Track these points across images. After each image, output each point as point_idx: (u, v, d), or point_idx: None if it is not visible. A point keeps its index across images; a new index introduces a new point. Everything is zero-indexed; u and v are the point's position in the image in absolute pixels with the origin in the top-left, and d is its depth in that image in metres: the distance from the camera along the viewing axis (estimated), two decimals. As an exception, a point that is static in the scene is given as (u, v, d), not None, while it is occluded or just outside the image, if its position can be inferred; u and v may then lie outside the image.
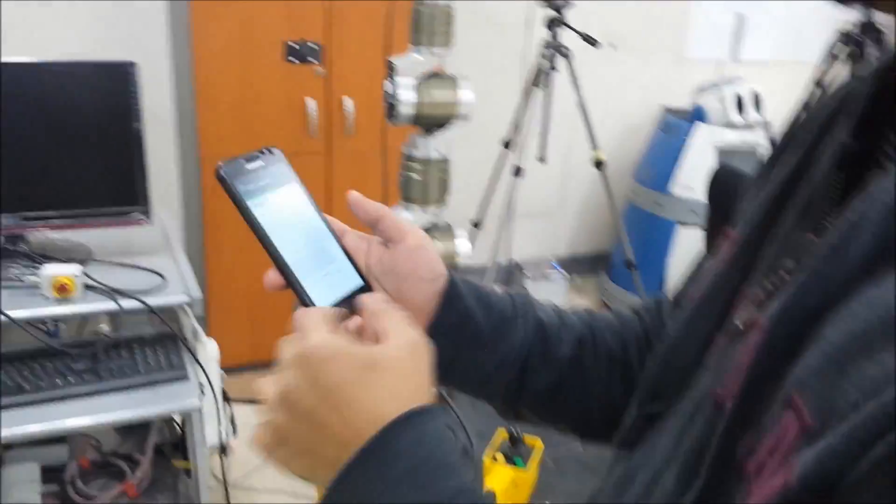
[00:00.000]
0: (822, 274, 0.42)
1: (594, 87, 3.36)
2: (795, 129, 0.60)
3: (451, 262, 1.75)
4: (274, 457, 0.53)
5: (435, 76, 1.64)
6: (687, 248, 3.36)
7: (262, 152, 0.64)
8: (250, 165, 0.62)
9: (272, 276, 0.61)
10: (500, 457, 1.63)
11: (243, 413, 2.31)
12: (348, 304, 0.62)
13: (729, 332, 0.53)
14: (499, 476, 1.58)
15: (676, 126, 3.47)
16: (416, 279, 0.64)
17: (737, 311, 0.53)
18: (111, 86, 1.65)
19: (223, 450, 1.76)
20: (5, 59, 1.58)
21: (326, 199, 2.84)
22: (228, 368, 2.90)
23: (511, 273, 3.77)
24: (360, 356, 0.52)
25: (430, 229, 1.73)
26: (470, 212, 3.24)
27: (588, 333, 0.72)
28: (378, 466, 0.48)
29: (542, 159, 3.05)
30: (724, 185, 1.73)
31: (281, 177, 0.64)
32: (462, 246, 1.77)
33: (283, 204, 0.63)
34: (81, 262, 1.62)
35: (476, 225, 3.24)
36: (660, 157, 3.51)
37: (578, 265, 3.94)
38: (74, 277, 1.50)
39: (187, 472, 1.84)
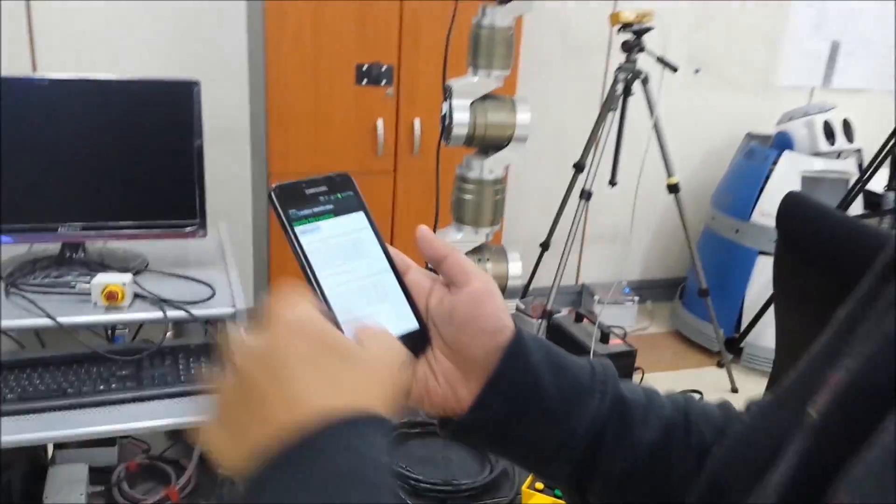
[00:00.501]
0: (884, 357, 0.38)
1: (675, 112, 3.28)
2: None
3: (502, 284, 1.71)
4: (210, 420, 0.49)
5: (491, 98, 1.62)
6: (767, 276, 3.22)
7: (330, 177, 0.61)
8: (310, 190, 0.59)
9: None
10: (539, 485, 1.57)
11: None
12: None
13: (803, 422, 0.45)
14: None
15: (760, 152, 3.34)
16: (476, 329, 0.58)
17: (817, 395, 0.46)
18: (174, 103, 1.70)
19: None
20: (79, 75, 1.65)
21: (391, 219, 2.85)
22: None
23: (580, 296, 3.70)
24: (335, 343, 0.49)
25: (482, 250, 1.71)
26: (541, 234, 3.20)
27: (680, 420, 0.63)
28: (298, 465, 0.45)
29: (612, 183, 2.99)
30: (795, 211, 1.63)
31: (344, 204, 0.60)
32: (514, 269, 1.73)
33: (339, 233, 0.59)
34: (136, 271, 1.66)
35: (544, 246, 3.20)
36: (742, 183, 3.38)
37: (651, 290, 3.83)
38: (124, 285, 1.53)
39: (232, 480, 1.86)
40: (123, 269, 1.64)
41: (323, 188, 0.60)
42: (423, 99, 2.75)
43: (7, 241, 1.65)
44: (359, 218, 0.61)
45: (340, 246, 0.59)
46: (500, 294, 0.60)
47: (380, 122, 2.71)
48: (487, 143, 1.64)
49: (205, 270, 1.77)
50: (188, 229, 1.76)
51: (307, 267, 0.57)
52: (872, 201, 3.15)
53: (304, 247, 0.57)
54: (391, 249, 0.62)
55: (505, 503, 1.36)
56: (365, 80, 2.66)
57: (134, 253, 1.79)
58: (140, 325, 1.85)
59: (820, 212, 1.76)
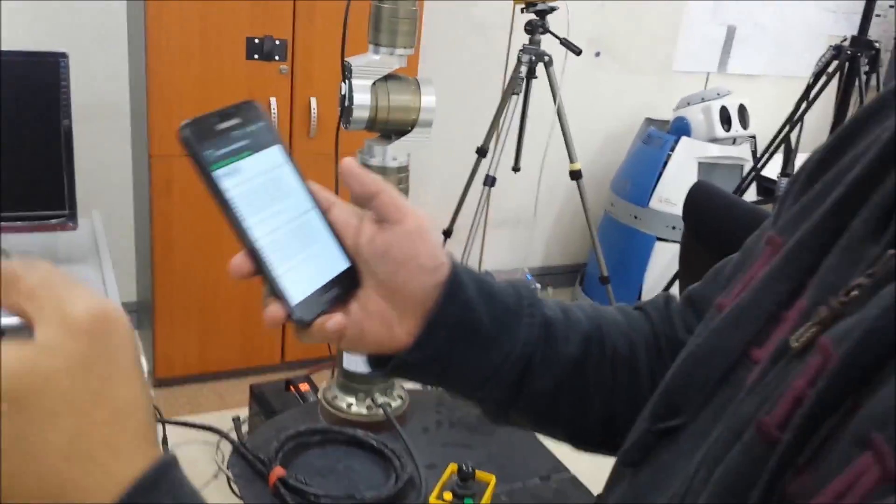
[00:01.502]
0: None
1: (576, 96, 3.25)
2: (853, 126, 0.53)
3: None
4: None
5: (394, 78, 1.51)
6: (664, 263, 3.25)
7: (240, 108, 0.55)
8: (222, 125, 0.53)
9: (240, 262, 0.53)
10: (448, 496, 1.49)
11: (177, 434, 2.16)
12: (332, 291, 0.56)
13: (776, 350, 0.46)
14: (447, 517, 1.44)
15: (659, 138, 3.36)
16: (414, 267, 0.57)
17: (786, 327, 0.47)
18: (38, 78, 1.51)
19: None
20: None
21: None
22: (172, 379, 2.78)
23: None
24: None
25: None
26: (442, 220, 3.12)
27: (595, 332, 0.65)
28: None
29: (516, 168, 2.93)
30: (701, 202, 1.62)
31: (259, 138, 0.55)
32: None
33: (259, 172, 0.54)
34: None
35: (447, 233, 3.12)
36: (640, 169, 3.39)
37: (552, 277, 3.82)
38: (-20, 288, 1.35)
39: None
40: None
41: (235, 121, 0.54)
42: (320, 77, 2.60)
43: None
44: (275, 153, 0.57)
45: (263, 187, 0.54)
46: (433, 230, 0.59)
47: (273, 101, 2.54)
48: (390, 128, 1.52)
49: (75, 266, 1.59)
50: (55, 221, 1.57)
51: (233, 216, 0.52)
52: (766, 187, 3.22)
53: (227, 193, 0.52)
54: (312, 185, 0.58)
55: (412, 513, 1.28)
56: (256, 56, 2.49)
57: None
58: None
59: (726, 202, 1.75)
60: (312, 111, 2.59)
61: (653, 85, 3.74)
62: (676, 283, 3.07)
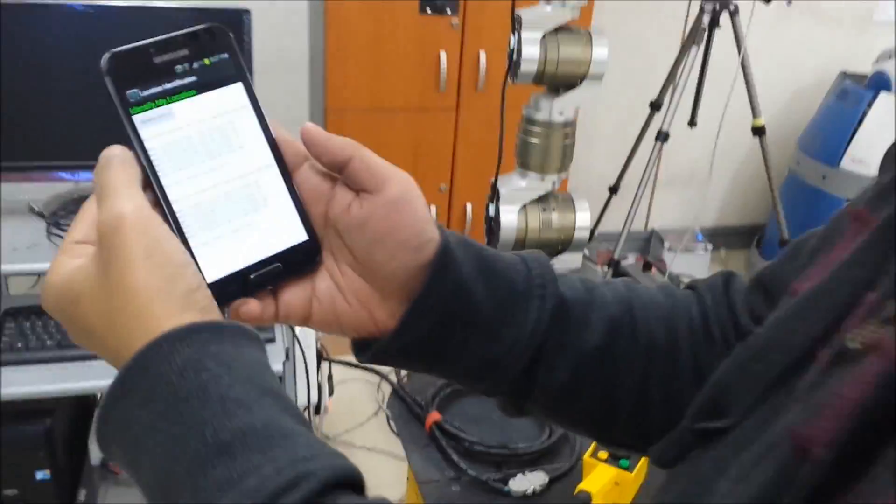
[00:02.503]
0: None
1: (762, 47, 3.04)
2: None
3: (567, 237, 1.59)
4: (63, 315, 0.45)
5: (566, 30, 1.47)
6: (853, 230, 3.00)
7: (195, 34, 0.46)
8: (163, 57, 0.44)
9: None
10: (603, 454, 1.47)
11: (342, 372, 2.27)
12: (273, 267, 0.47)
13: (834, 351, 0.38)
14: (599, 475, 1.43)
15: (854, 93, 3.08)
16: (395, 244, 0.48)
17: (853, 323, 0.38)
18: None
19: (317, 409, 1.71)
20: (117, 2, 1.55)
21: (451, 160, 2.72)
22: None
23: (648, 242, 3.54)
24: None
25: (548, 199, 1.58)
26: (609, 178, 3.04)
27: (625, 316, 0.55)
28: (140, 393, 0.39)
29: (692, 123, 2.80)
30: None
31: (214, 73, 0.46)
32: (582, 219, 1.60)
33: (200, 118, 0.45)
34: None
35: (613, 190, 3.04)
36: (832, 126, 3.14)
37: (726, 237, 3.64)
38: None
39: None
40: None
41: (183, 52, 0.45)
42: (490, 30, 2.58)
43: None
44: (235, 93, 0.47)
45: (201, 137, 0.45)
46: (422, 197, 0.49)
47: (443, 55, 2.56)
48: (559, 81, 1.49)
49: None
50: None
51: (150, 172, 0.44)
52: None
53: (147, 142, 0.44)
54: (280, 136, 0.49)
55: (565, 469, 1.28)
56: (429, 9, 2.51)
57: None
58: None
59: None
60: (481, 65, 2.59)
61: (850, 36, 3.42)
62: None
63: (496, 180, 1.55)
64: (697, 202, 3.48)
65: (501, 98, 1.49)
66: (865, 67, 3.22)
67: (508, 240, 1.49)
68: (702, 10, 2.60)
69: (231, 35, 0.47)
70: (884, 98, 2.98)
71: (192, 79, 0.45)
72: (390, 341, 0.50)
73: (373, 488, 0.39)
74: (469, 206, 2.72)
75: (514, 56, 1.44)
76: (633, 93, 3.05)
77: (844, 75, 3.26)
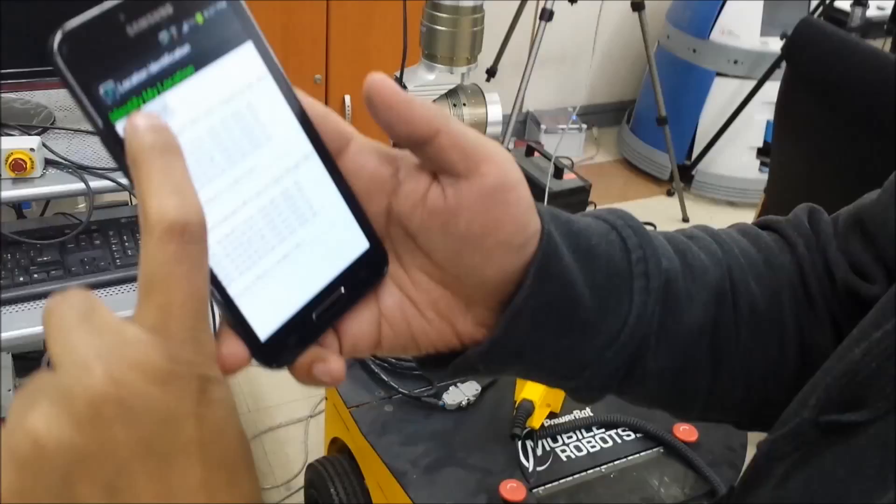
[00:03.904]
0: None
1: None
2: None
3: (480, 131, 1.49)
4: None
5: None
6: (723, 101, 3.07)
7: None
8: (139, 24, 0.28)
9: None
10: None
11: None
12: (335, 298, 0.35)
13: None
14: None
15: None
16: (495, 244, 0.36)
17: None
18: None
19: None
20: None
21: (326, 47, 2.50)
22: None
23: (524, 125, 3.49)
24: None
25: (457, 93, 1.47)
26: (484, 60, 2.93)
27: (727, 283, 0.46)
28: None
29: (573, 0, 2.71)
30: (810, 40, 1.45)
31: (214, 36, 0.31)
32: (494, 113, 1.50)
33: (211, 104, 0.31)
34: (41, 131, 1.36)
35: (490, 73, 2.95)
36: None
37: (597, 116, 3.64)
38: (32, 152, 1.24)
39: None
40: (26, 129, 1.33)
41: (164, 10, 0.29)
42: None
43: None
44: (246, 57, 0.32)
45: (216, 137, 0.31)
46: (523, 177, 0.37)
47: None
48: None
49: (125, 123, 1.47)
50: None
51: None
52: (836, 18, 2.98)
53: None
54: (313, 109, 0.35)
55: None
56: None
57: (36, 105, 1.47)
58: (47, 199, 1.55)
59: (836, 40, 1.58)
60: None
61: None
62: (732, 125, 2.92)
63: (402, 74, 1.42)
64: (570, 82, 3.45)
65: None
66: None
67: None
68: None
69: None
70: (750, -34, 3.00)
71: (186, 49, 0.30)
72: (482, 355, 0.39)
73: (283, 404, 0.29)
74: (348, 98, 2.54)
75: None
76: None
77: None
